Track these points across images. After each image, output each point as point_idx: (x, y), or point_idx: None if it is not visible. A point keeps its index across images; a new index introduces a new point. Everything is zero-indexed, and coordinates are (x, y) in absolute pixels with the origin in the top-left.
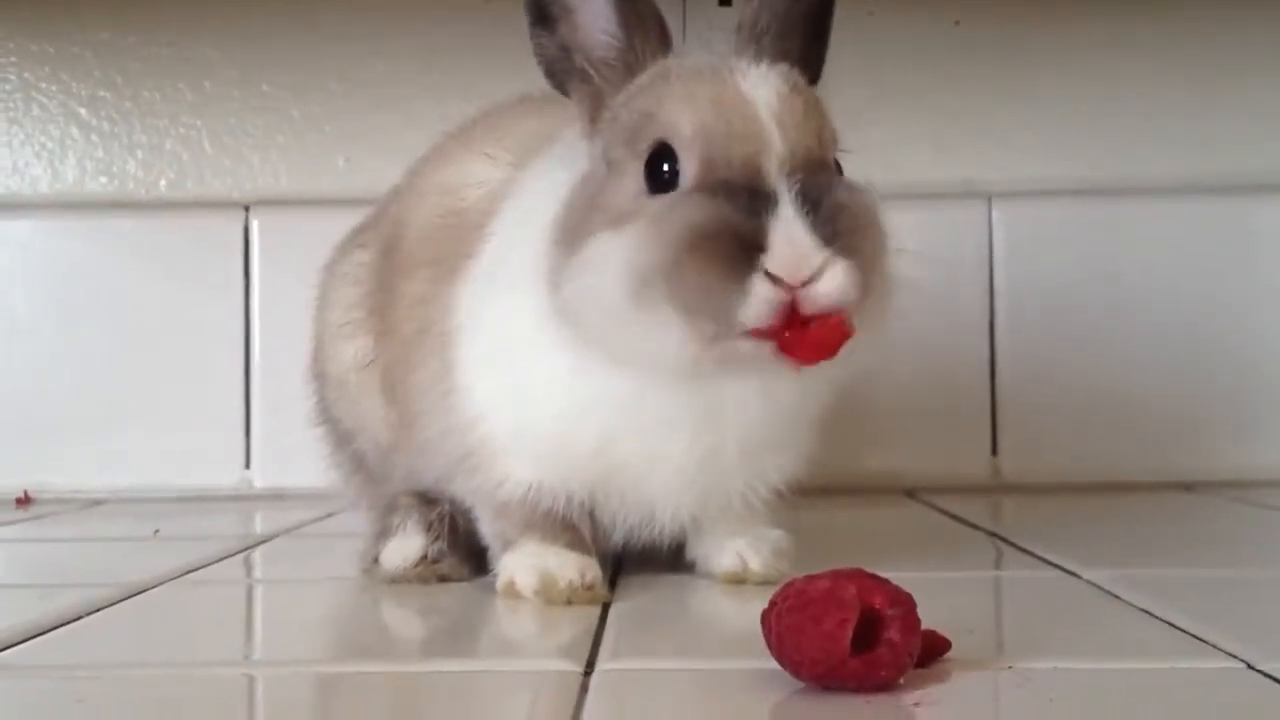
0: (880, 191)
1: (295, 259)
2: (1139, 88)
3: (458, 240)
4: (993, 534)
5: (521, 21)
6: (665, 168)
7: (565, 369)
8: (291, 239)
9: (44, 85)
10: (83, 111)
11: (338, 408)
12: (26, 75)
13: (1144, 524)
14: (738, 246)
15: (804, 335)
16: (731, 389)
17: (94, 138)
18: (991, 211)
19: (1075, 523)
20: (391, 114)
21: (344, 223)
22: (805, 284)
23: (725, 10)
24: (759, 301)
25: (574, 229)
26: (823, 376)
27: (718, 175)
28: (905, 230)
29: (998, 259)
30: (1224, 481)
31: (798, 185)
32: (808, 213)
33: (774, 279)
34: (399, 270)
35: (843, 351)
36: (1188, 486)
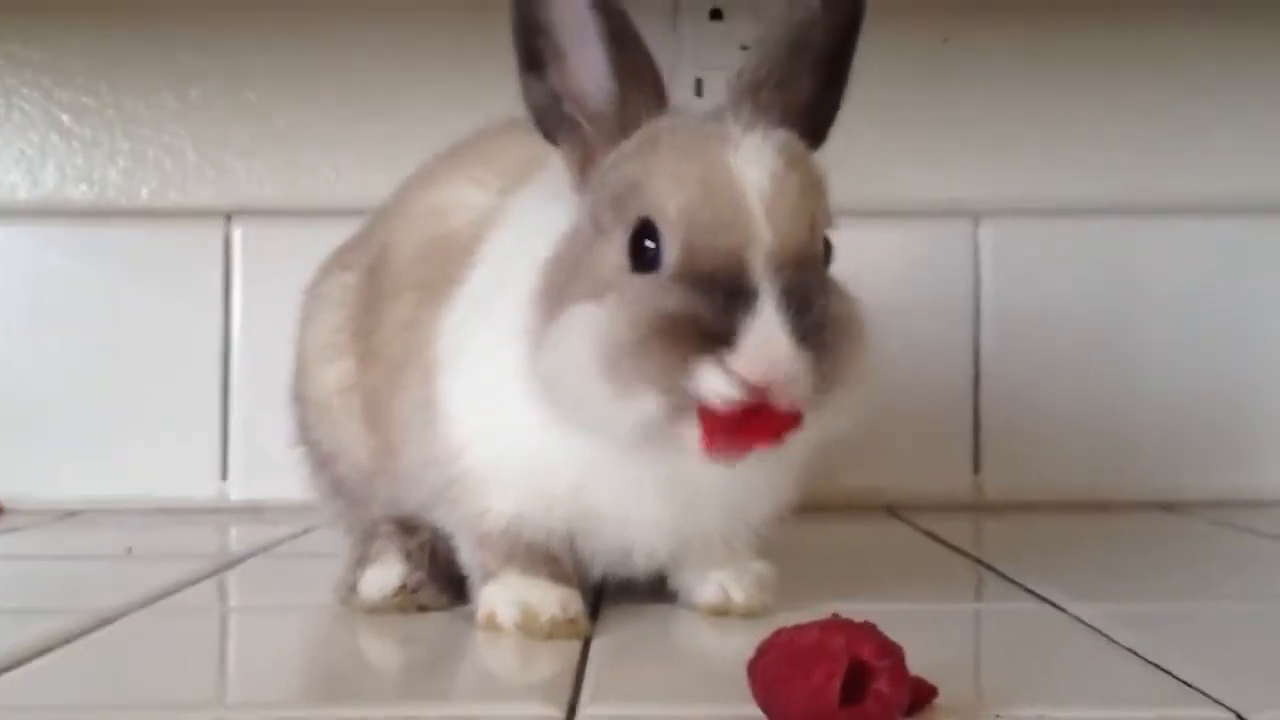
0: (866, 208)
1: (278, 269)
2: (1131, 105)
3: (445, 265)
4: (975, 559)
5: None
6: (648, 245)
7: (538, 423)
8: (275, 249)
9: (25, 91)
10: (65, 118)
11: (318, 430)
12: (8, 81)
13: (1126, 548)
14: (702, 338)
15: (749, 419)
16: (697, 458)
17: (75, 144)
18: (978, 230)
19: (1058, 547)
20: (380, 124)
21: (329, 233)
22: (770, 387)
23: (718, 47)
24: (708, 385)
25: (557, 290)
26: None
27: (700, 264)
28: (891, 248)
29: (984, 277)
30: (1203, 502)
31: (783, 282)
32: (793, 312)
33: (733, 374)
34: (384, 293)
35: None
36: (1167, 507)
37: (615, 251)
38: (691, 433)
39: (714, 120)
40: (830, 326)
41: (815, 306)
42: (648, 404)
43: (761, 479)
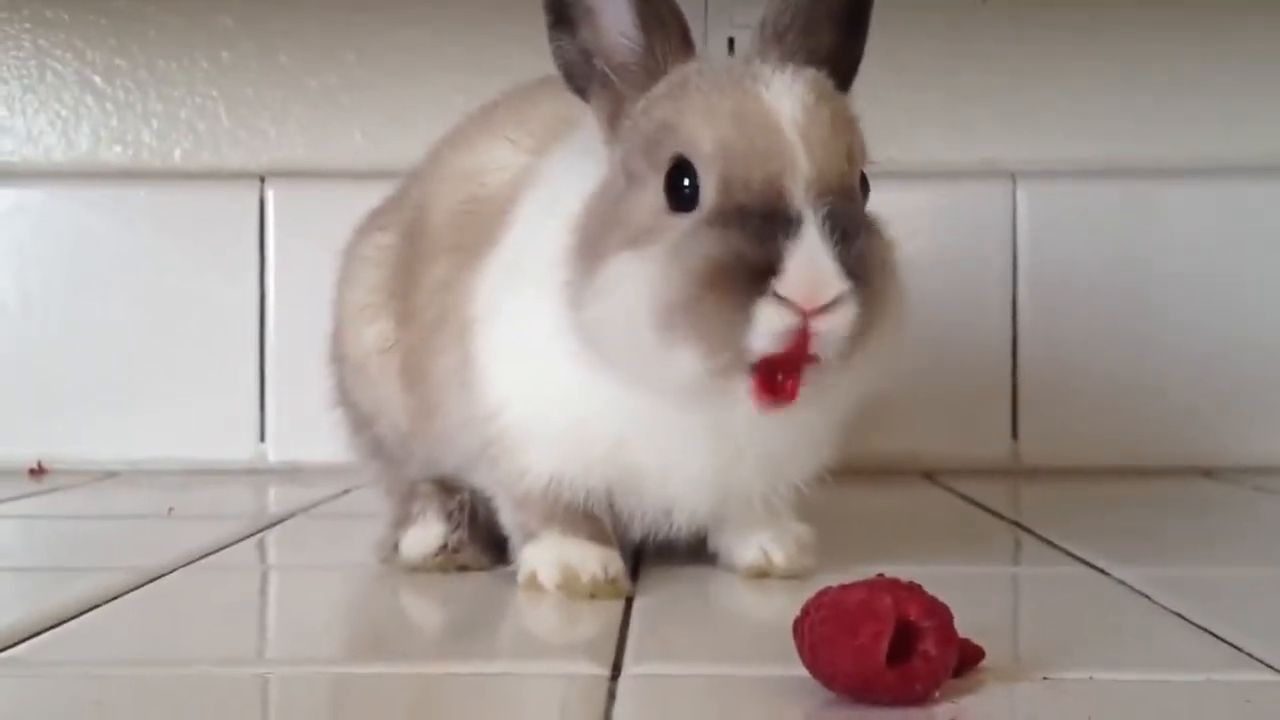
0: (903, 170)
1: (311, 231)
2: (1167, 67)
3: (480, 227)
4: (1015, 523)
5: None
6: (685, 183)
7: (578, 378)
8: (307, 211)
9: (58, 53)
10: (97, 80)
11: (357, 391)
12: (41, 42)
13: (1167, 513)
14: (752, 278)
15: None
16: (745, 409)
17: (109, 106)
18: (1016, 191)
19: (1098, 512)
20: (409, 87)
21: (360, 195)
22: (819, 312)
23: (747, 6)
24: (765, 329)
25: (594, 243)
26: (841, 390)
27: (738, 197)
28: (927, 210)
29: (1021, 239)
30: (1244, 468)
31: (825, 210)
32: (835, 241)
33: (785, 302)
34: (421, 255)
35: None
36: (1207, 472)
37: (652, 194)
38: (744, 385)
39: (743, 62)
40: (871, 262)
41: (859, 236)
42: (702, 358)
43: (801, 436)
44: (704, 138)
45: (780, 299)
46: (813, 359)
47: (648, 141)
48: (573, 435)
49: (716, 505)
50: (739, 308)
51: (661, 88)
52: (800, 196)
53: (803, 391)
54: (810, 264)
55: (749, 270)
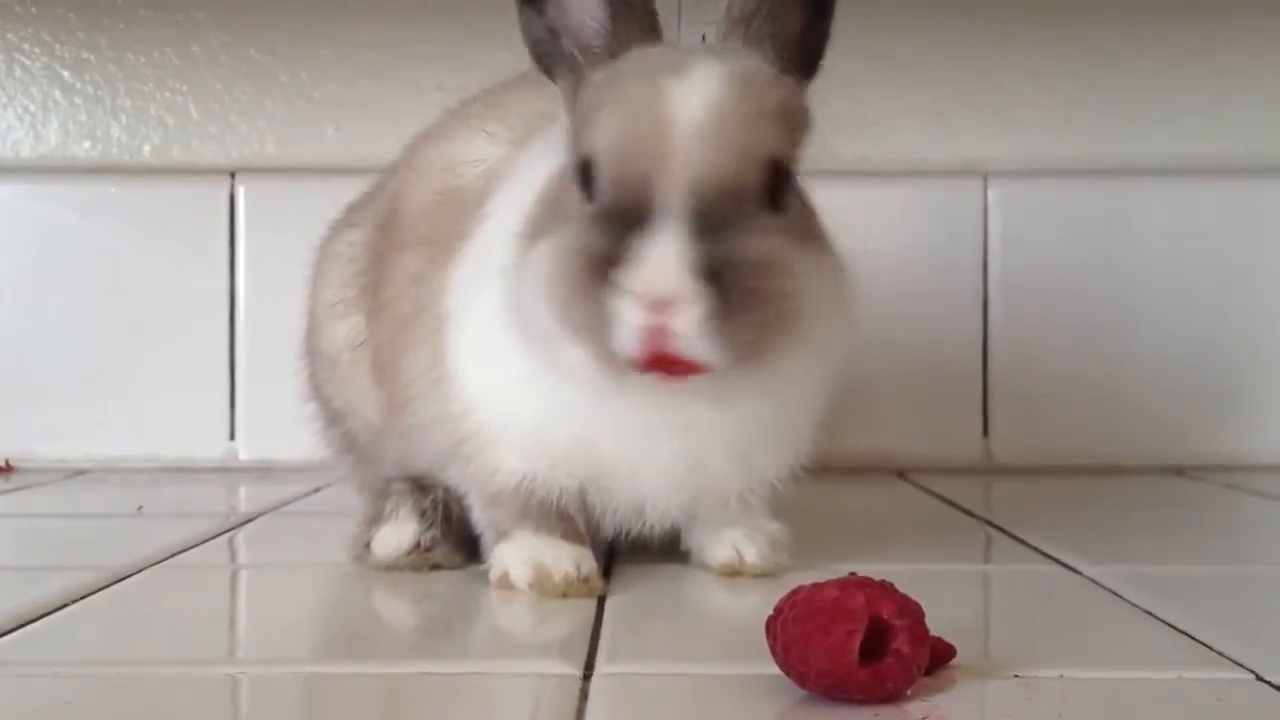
0: (876, 168)
1: (282, 227)
2: (1142, 66)
3: (455, 219)
4: (987, 521)
5: None
6: (591, 179)
7: (534, 372)
8: (278, 207)
9: (26, 46)
10: (66, 74)
11: (329, 387)
12: (9, 36)
13: (1138, 511)
14: (604, 273)
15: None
16: (696, 398)
17: (77, 101)
18: (988, 190)
19: (1069, 510)
20: (382, 81)
21: (332, 191)
22: (666, 309)
23: None
24: (619, 325)
25: (536, 225)
26: (802, 377)
27: (617, 193)
28: (899, 208)
29: (993, 238)
30: (1215, 466)
31: (692, 207)
32: (698, 239)
33: (632, 297)
34: (394, 246)
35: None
36: (1178, 470)
37: (575, 185)
38: (630, 373)
39: (680, 53)
40: (746, 261)
41: (730, 234)
42: (587, 351)
43: (770, 434)
44: (603, 132)
45: (629, 295)
46: (693, 365)
47: (577, 129)
48: (541, 433)
49: (689, 502)
50: (598, 303)
51: (602, 75)
52: (671, 194)
53: (708, 391)
54: (655, 260)
55: (602, 266)
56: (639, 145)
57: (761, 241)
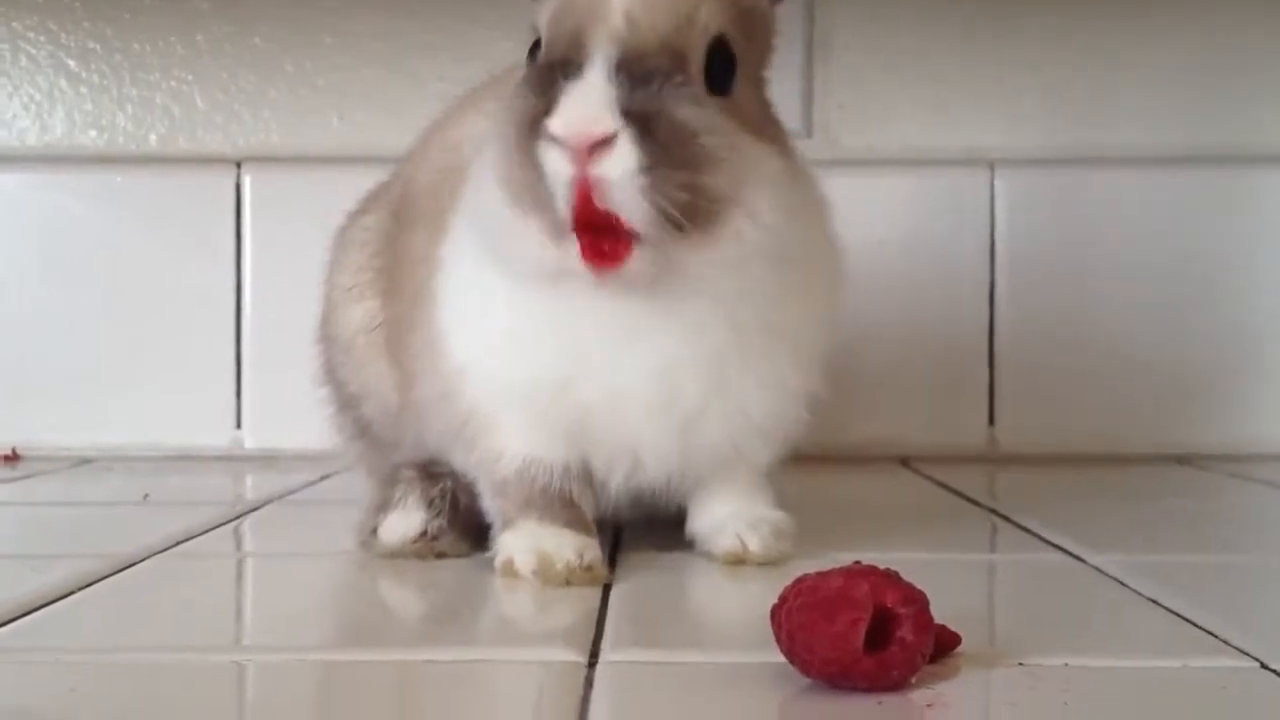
0: (882, 158)
1: (287, 216)
2: (1145, 56)
3: (451, 196)
4: (992, 510)
5: None
6: (536, 54)
7: (517, 322)
8: (284, 196)
9: (32, 35)
10: (72, 63)
11: (344, 371)
12: (14, 25)
13: (1143, 500)
14: (532, 124)
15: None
16: (648, 306)
17: (83, 90)
18: (994, 179)
19: (1074, 498)
20: (387, 70)
21: (337, 180)
22: (587, 146)
23: None
24: (555, 182)
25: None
26: (772, 301)
27: (554, 50)
28: (905, 197)
29: (999, 227)
30: (1219, 455)
31: (617, 56)
32: (622, 86)
33: (556, 141)
34: (404, 225)
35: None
36: (1183, 459)
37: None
38: (572, 250)
39: None
40: (691, 122)
41: (659, 88)
42: (530, 220)
43: (749, 366)
44: (547, 4)
45: (553, 139)
46: (627, 230)
47: (533, 19)
48: (524, 386)
49: (684, 450)
50: (535, 163)
51: None
52: (600, 42)
53: (644, 265)
54: (578, 100)
55: (535, 123)
56: (575, 4)
57: (696, 107)
